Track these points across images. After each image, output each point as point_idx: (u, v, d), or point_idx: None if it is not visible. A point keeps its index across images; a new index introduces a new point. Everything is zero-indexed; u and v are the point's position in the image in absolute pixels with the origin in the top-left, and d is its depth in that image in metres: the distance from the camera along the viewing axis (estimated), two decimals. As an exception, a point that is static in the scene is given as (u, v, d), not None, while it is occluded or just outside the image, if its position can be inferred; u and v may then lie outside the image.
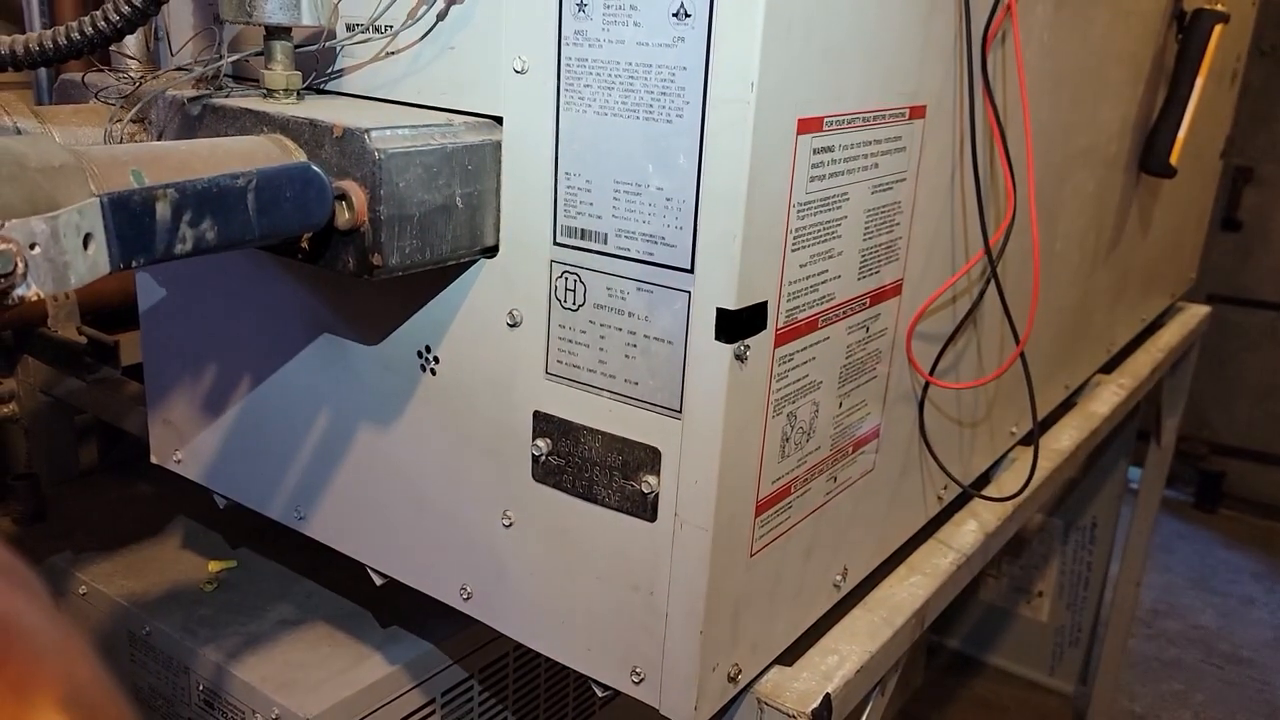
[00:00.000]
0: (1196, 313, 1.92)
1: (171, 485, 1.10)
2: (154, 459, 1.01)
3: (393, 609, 1.07)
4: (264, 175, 0.58)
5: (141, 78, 0.73)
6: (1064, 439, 1.29)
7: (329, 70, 0.75)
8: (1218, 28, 1.29)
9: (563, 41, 0.65)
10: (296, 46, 0.71)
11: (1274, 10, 3.24)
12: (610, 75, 0.64)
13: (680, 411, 0.66)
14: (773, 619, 0.77)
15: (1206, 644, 2.91)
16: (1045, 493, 1.20)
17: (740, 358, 0.64)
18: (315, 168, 0.61)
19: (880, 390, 0.84)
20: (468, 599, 0.81)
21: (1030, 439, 1.26)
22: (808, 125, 0.64)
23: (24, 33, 0.66)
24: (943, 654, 2.70)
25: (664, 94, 0.62)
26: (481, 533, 0.78)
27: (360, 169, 0.62)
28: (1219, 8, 1.30)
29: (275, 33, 0.69)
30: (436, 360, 0.77)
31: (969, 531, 1.04)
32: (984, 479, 1.16)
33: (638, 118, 0.63)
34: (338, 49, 0.74)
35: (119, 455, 1.48)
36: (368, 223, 0.63)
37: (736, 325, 0.63)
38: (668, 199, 0.63)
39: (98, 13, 0.61)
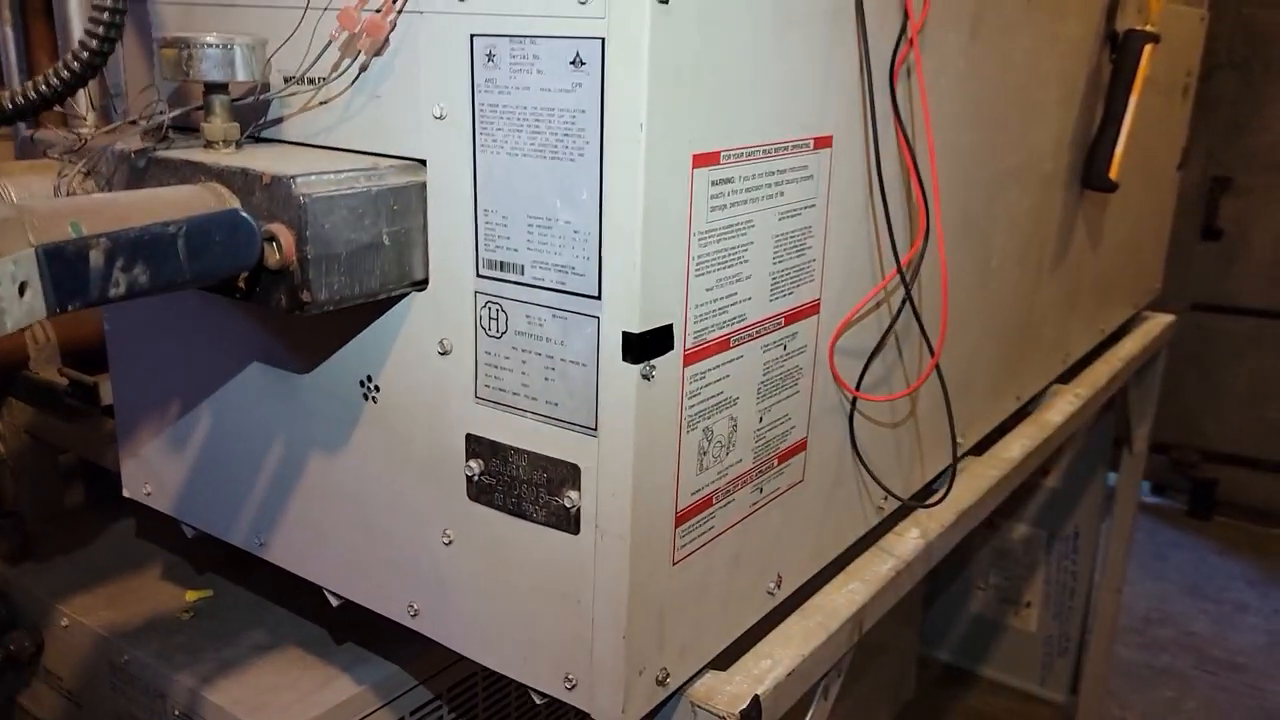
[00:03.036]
0: (1160, 321, 1.96)
1: (153, 519, 1.15)
2: (125, 492, 1.06)
3: (366, 630, 1.11)
4: (194, 222, 0.63)
5: (91, 133, 0.78)
6: (1014, 448, 1.33)
7: (268, 120, 0.81)
8: (1148, 47, 1.34)
9: (475, 89, 0.70)
10: (234, 100, 0.76)
11: (1244, 24, 3.30)
12: (519, 119, 0.68)
13: (596, 430, 0.70)
14: (702, 624, 0.81)
15: (1199, 651, 2.92)
16: (992, 501, 1.23)
17: (646, 377, 0.68)
18: (243, 213, 0.66)
19: (804, 404, 0.88)
20: (415, 616, 0.85)
21: (980, 449, 1.31)
22: (703, 159, 0.69)
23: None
24: (934, 666, 2.72)
25: (566, 135, 0.67)
26: (424, 552, 0.82)
27: (287, 213, 0.67)
28: (1149, 29, 1.35)
29: (212, 88, 0.74)
30: (377, 389, 0.82)
31: (911, 539, 1.08)
32: (931, 488, 1.20)
33: (545, 157, 0.68)
34: (274, 100, 0.79)
35: (103, 492, 1.52)
36: (296, 262, 0.68)
37: (641, 347, 0.68)
38: (575, 231, 0.68)
39: (40, 76, 0.66)
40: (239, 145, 0.76)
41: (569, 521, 0.73)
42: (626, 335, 0.67)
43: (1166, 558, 3.43)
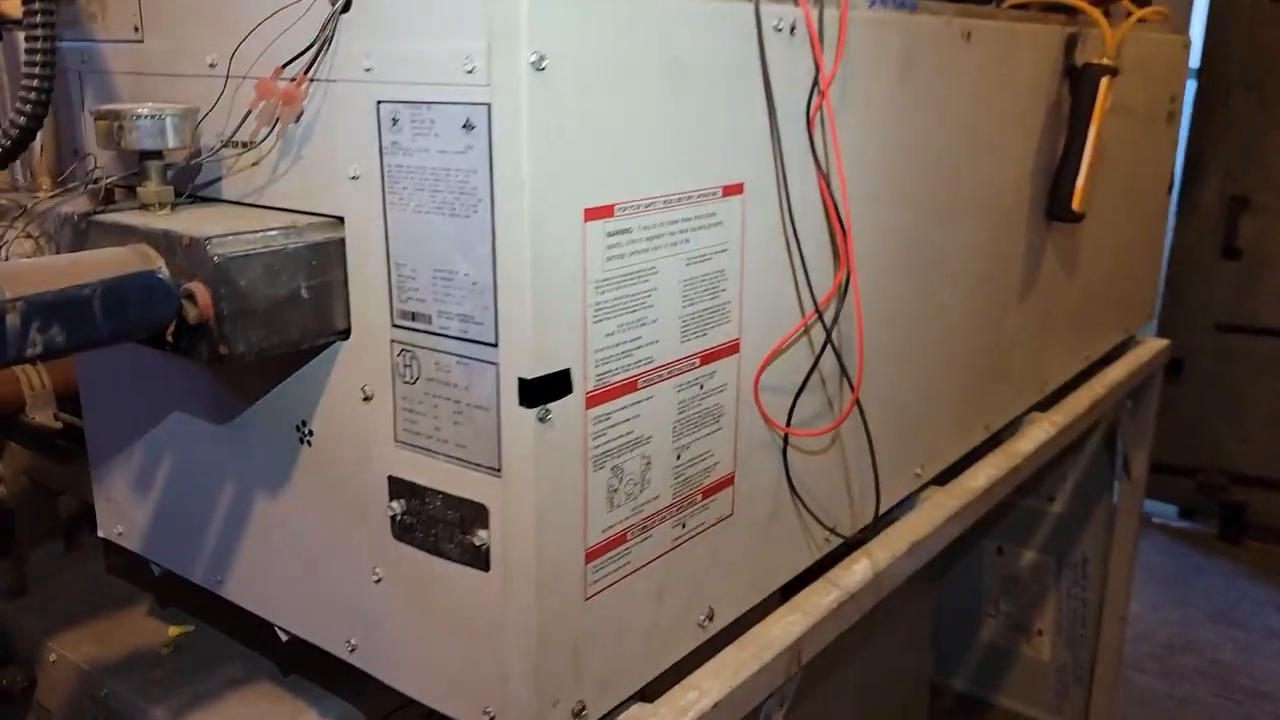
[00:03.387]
0: (1151, 346, 1.95)
1: (127, 558, 1.20)
2: (100, 533, 1.11)
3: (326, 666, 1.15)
4: (108, 284, 0.67)
5: (39, 198, 0.83)
6: (980, 477, 1.34)
7: (208, 180, 0.86)
8: (1104, 80, 1.36)
9: (383, 151, 0.74)
10: (169, 165, 0.81)
11: (1257, 45, 3.29)
12: (421, 178, 0.73)
13: (500, 471, 0.74)
14: (624, 657, 0.84)
15: (1224, 679, 2.87)
16: (951, 530, 1.25)
17: (543, 420, 0.71)
18: (159, 273, 0.71)
19: (729, 440, 0.91)
20: (352, 651, 0.88)
21: (942, 479, 1.32)
22: (596, 213, 0.73)
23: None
24: (947, 695, 2.70)
25: (462, 193, 0.71)
26: (358, 589, 0.86)
27: (204, 271, 0.72)
28: (1106, 61, 1.37)
29: (147, 155, 0.79)
30: (311, 433, 0.86)
31: (858, 570, 1.10)
32: (888, 518, 1.22)
33: (445, 214, 0.72)
34: (206, 163, 0.84)
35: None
36: (213, 317, 0.72)
37: (536, 391, 0.71)
38: (473, 283, 0.72)
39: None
40: (174, 207, 0.81)
41: (480, 559, 0.76)
42: (521, 380, 0.71)
43: (1192, 583, 3.38)
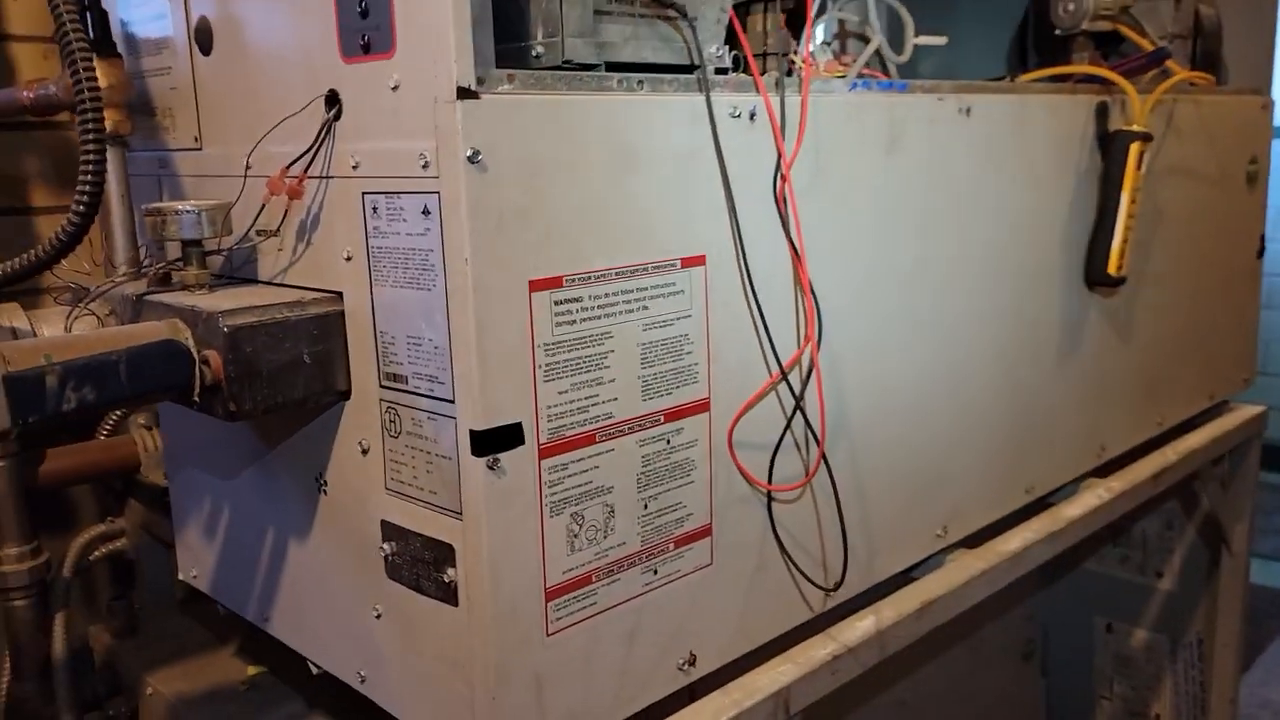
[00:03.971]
0: (1243, 413, 1.88)
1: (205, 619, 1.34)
2: (179, 575, 1.26)
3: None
4: (133, 351, 0.81)
5: (105, 282, 0.99)
6: (1014, 541, 1.35)
7: (245, 262, 1.00)
8: (1134, 145, 1.37)
9: (368, 235, 0.86)
10: (208, 252, 0.95)
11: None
12: (396, 258, 0.84)
13: (461, 514, 0.83)
14: (592, 694, 0.91)
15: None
16: (972, 594, 1.25)
17: (492, 468, 0.80)
18: (178, 342, 0.84)
19: (702, 493, 0.97)
20: (363, 682, 0.98)
21: (973, 541, 1.33)
22: (543, 284, 0.82)
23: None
24: (1061, 783, 2.58)
25: (423, 270, 0.81)
26: (364, 624, 0.96)
27: (216, 340, 0.85)
28: (1136, 128, 1.38)
29: (188, 244, 0.93)
30: (326, 483, 0.97)
31: (860, 627, 1.13)
32: (905, 577, 1.24)
33: (413, 288, 0.83)
34: (246, 248, 0.98)
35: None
36: (224, 380, 0.85)
37: (486, 442, 0.80)
38: (436, 347, 0.82)
39: (37, 247, 0.88)
40: (212, 287, 0.95)
41: (451, 595, 0.85)
42: (472, 432, 0.80)
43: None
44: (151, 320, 0.92)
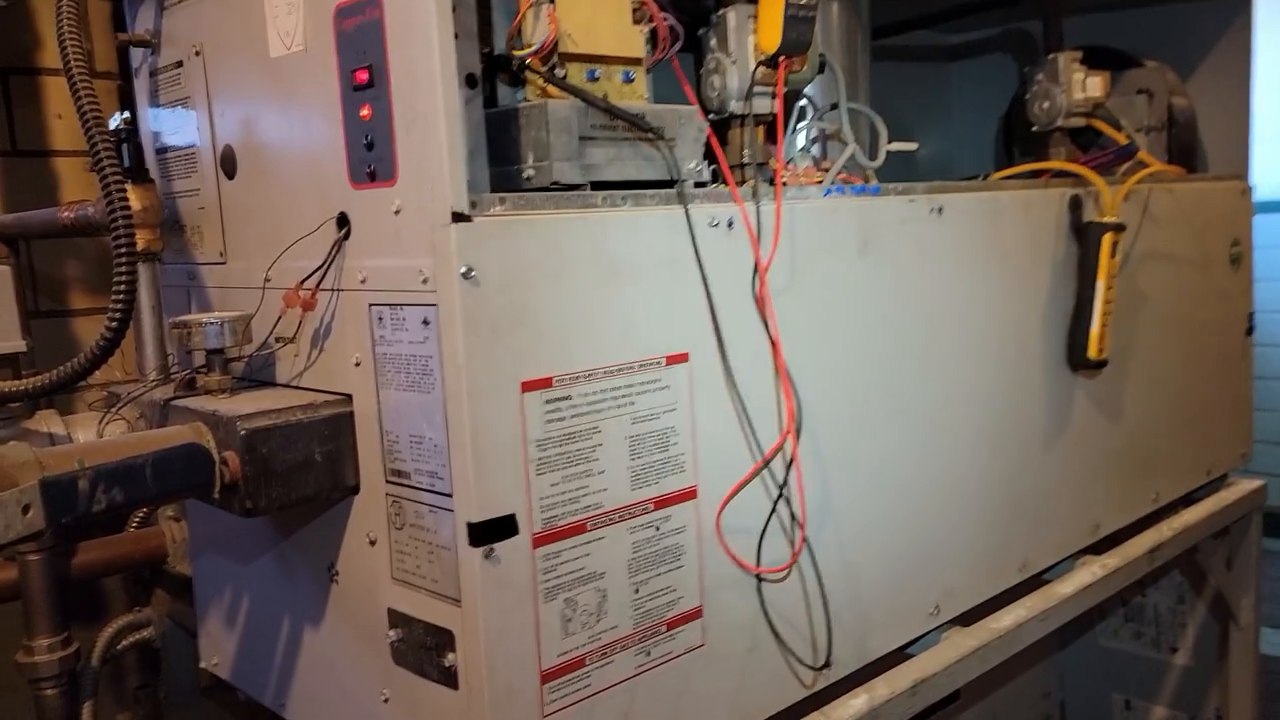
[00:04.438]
0: (1239, 489, 1.91)
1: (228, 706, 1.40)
2: (201, 663, 1.31)
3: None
4: (158, 454, 0.88)
5: (136, 388, 1.07)
6: (1006, 618, 1.38)
7: (265, 366, 1.08)
8: (1107, 236, 1.44)
9: (374, 343, 0.94)
10: (231, 359, 1.03)
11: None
12: (399, 363, 0.91)
13: (459, 601, 0.89)
14: (588, 772, 0.95)
15: None
16: (964, 672, 1.29)
17: (488, 556, 0.87)
18: (200, 444, 0.91)
19: (692, 577, 1.03)
20: (373, 763, 1.03)
21: (967, 619, 1.37)
22: (534, 384, 0.89)
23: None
24: None
25: (424, 374, 0.89)
26: (373, 708, 1.01)
27: (234, 442, 0.92)
28: (1109, 219, 1.45)
29: (211, 352, 1.02)
30: (338, 573, 1.04)
31: (853, 705, 1.17)
32: (902, 654, 1.28)
33: (415, 391, 0.90)
34: (266, 354, 1.06)
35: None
36: (241, 478, 0.92)
37: (482, 533, 0.86)
38: (435, 445, 0.89)
39: (78, 356, 0.96)
40: (234, 391, 1.03)
41: (451, 678, 0.91)
42: (469, 524, 0.86)
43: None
44: (177, 424, 1.00)
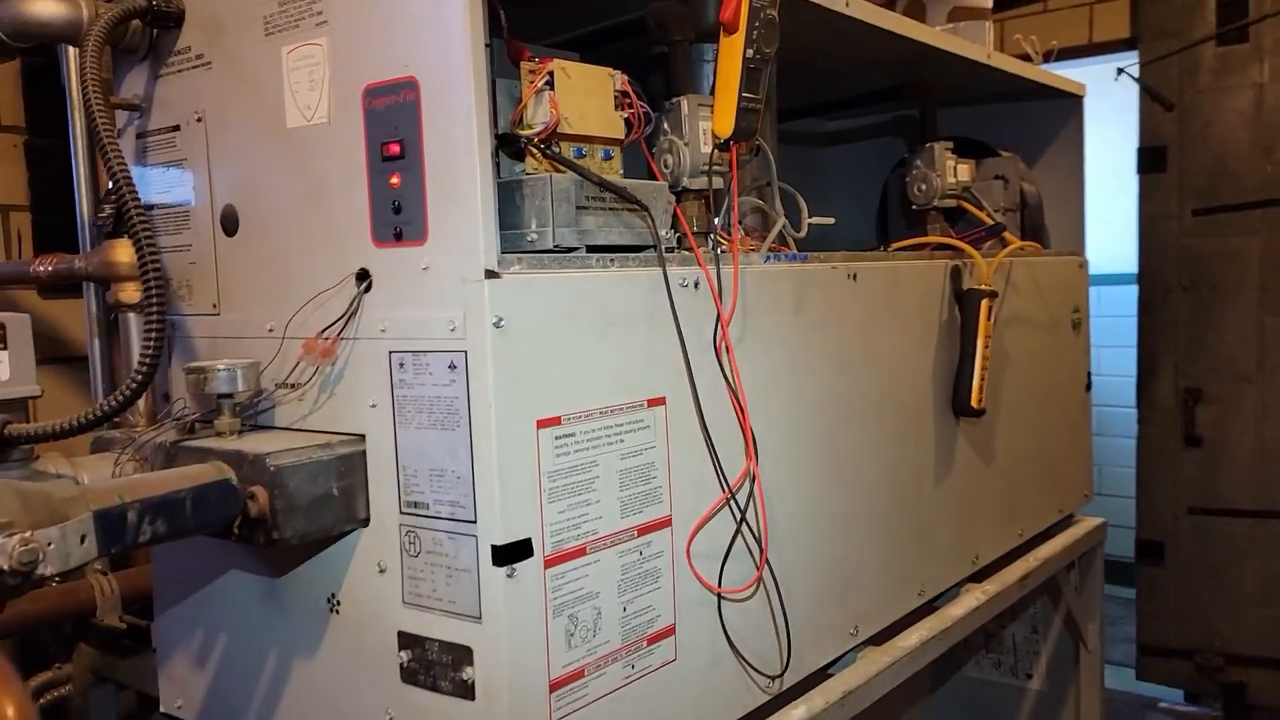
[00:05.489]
0: (1086, 525, 2.18)
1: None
2: (162, 708, 1.34)
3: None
4: (197, 489, 0.95)
5: (140, 432, 1.12)
6: (912, 638, 1.56)
7: (265, 409, 1.15)
8: (984, 301, 1.66)
9: (394, 387, 1.04)
10: (239, 402, 1.10)
11: (1186, 253, 3.66)
12: (421, 404, 1.01)
13: (480, 618, 0.98)
14: (585, 775, 1.05)
15: None
16: (881, 685, 1.45)
17: (510, 576, 0.97)
18: (232, 480, 0.98)
19: (668, 597, 1.15)
20: (371, 783, 1.10)
21: (879, 639, 1.53)
22: (546, 422, 1.01)
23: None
24: None
25: (449, 413, 0.99)
26: (375, 728, 1.08)
27: (263, 478, 1.00)
28: (984, 287, 1.68)
29: (222, 396, 1.08)
30: (339, 603, 1.11)
31: (795, 715, 1.31)
32: (828, 672, 1.43)
33: (437, 429, 1.00)
34: (266, 399, 1.13)
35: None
36: (269, 511, 0.99)
37: (505, 555, 0.97)
38: (458, 478, 0.99)
39: (108, 398, 1.01)
40: (240, 433, 1.10)
41: (468, 691, 1.00)
42: (494, 546, 0.97)
43: (1200, 767, 3.41)
44: (187, 464, 1.06)
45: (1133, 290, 3.78)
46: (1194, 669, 3.75)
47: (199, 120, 1.20)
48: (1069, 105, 2.22)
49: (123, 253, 1.18)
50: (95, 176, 1.49)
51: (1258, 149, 3.44)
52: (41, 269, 1.25)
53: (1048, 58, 2.16)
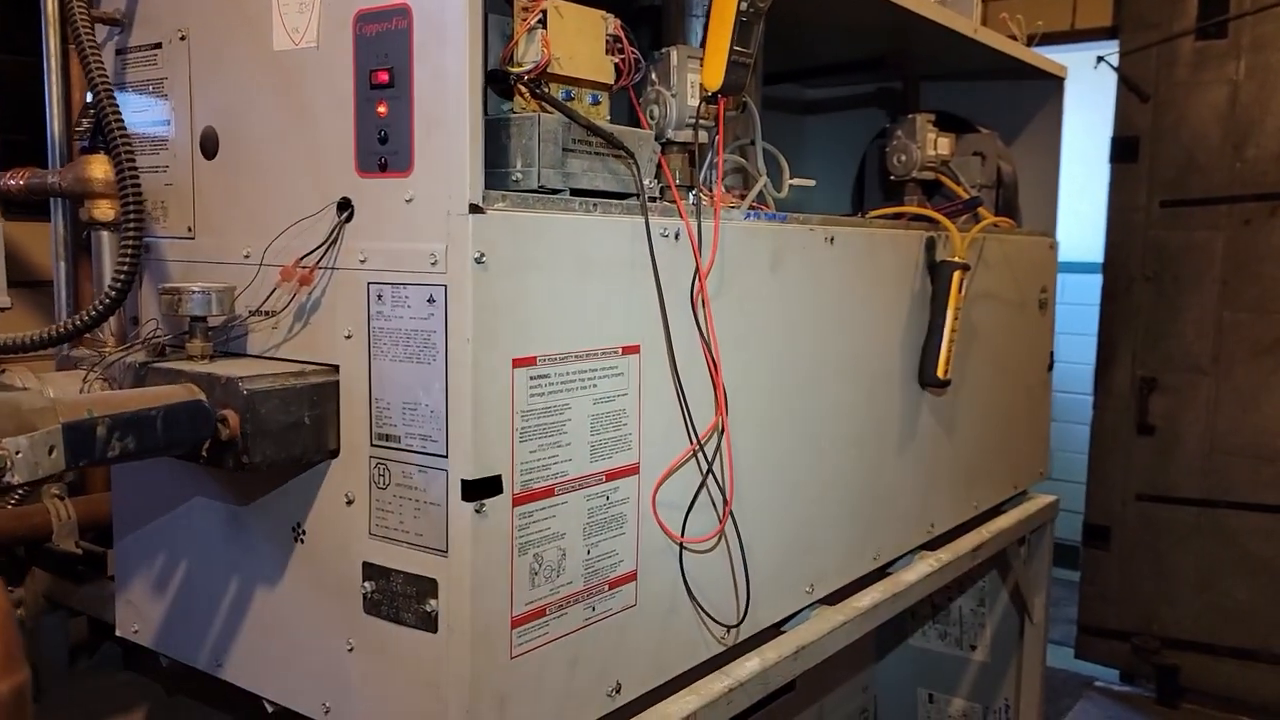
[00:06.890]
0: (1039, 501, 2.22)
1: (146, 674, 1.41)
2: (118, 632, 1.33)
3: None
4: (169, 408, 0.94)
5: (110, 351, 1.11)
6: (865, 600, 1.58)
7: (236, 337, 1.14)
8: (956, 274, 1.68)
9: (370, 318, 1.03)
10: (211, 327, 1.09)
11: (1151, 244, 3.71)
12: (397, 336, 1.01)
13: (447, 551, 0.99)
14: (541, 712, 1.07)
15: (1157, 834, 2.98)
16: (833, 643, 1.48)
17: (479, 512, 0.97)
18: (204, 402, 0.98)
19: (631, 543, 1.16)
20: (327, 713, 1.11)
21: (833, 599, 1.56)
22: (522, 361, 1.01)
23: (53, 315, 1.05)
24: None
25: (424, 347, 0.99)
26: (333, 658, 1.09)
27: (235, 401, 0.99)
28: (957, 259, 1.70)
29: (195, 320, 1.07)
30: (304, 532, 1.11)
31: (749, 665, 1.33)
32: (782, 627, 1.46)
33: (413, 362, 1.00)
34: (238, 325, 1.13)
35: (107, 653, 1.78)
36: (239, 435, 0.99)
37: (475, 490, 0.97)
38: (431, 411, 0.99)
39: (80, 313, 1.00)
40: (211, 358, 1.09)
41: (430, 623, 1.00)
42: (464, 481, 0.97)
43: (1130, 744, 3.51)
44: (158, 385, 1.05)
45: (1096, 279, 3.84)
46: (1131, 650, 3.85)
47: (182, 38, 1.18)
48: (1049, 87, 2.24)
49: (98, 168, 1.16)
50: (68, 95, 1.46)
51: (1228, 145, 3.49)
52: (13, 182, 1.23)
53: (1031, 41, 2.17)
